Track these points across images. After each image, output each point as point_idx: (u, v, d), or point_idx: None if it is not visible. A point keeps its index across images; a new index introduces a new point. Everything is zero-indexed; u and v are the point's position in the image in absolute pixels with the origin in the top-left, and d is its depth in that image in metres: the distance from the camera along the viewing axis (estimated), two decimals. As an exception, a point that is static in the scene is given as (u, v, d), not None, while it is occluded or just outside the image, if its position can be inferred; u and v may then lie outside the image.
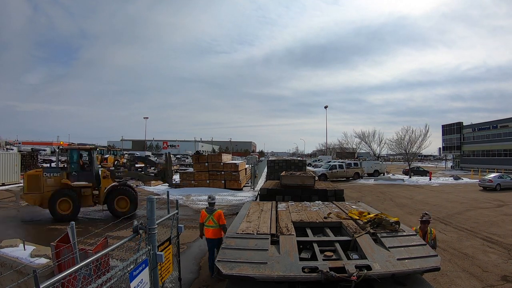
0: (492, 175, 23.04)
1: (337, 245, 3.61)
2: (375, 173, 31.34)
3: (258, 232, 3.85)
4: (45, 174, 10.99)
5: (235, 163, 19.99)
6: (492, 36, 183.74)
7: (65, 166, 11.89)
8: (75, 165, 11.43)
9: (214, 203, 6.04)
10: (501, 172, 26.30)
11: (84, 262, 2.39)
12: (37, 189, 10.76)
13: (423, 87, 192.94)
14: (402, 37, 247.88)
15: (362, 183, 26.33)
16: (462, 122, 55.00)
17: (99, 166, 13.66)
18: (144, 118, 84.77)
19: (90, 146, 13.07)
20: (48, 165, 26.74)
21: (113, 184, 11.70)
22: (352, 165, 31.07)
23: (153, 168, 14.16)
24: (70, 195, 10.73)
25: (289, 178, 7.98)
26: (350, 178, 29.28)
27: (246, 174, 22.63)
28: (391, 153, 57.23)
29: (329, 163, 31.81)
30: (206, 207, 6.09)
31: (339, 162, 31.98)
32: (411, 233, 3.85)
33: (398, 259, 3.14)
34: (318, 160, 55.30)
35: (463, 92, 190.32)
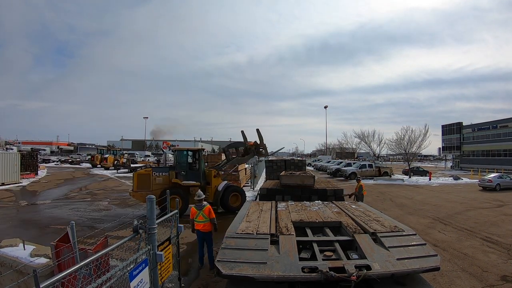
0: (492, 175, 23.03)
1: (337, 245, 3.61)
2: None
3: (257, 232, 3.85)
4: (154, 173, 11.78)
5: (235, 163, 19.92)
6: (503, 28, 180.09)
7: (173, 165, 12.57)
8: (183, 165, 12.21)
9: (202, 199, 6.21)
10: (501, 172, 26.30)
11: (84, 262, 2.39)
12: (147, 187, 11.46)
13: (427, 86, 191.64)
14: (408, 31, 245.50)
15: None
16: (461, 122, 55.08)
17: (206, 165, 13.93)
18: (144, 118, 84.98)
19: (198, 148, 13.71)
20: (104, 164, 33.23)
21: (227, 182, 12.49)
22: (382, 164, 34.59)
23: (242, 148, 14.26)
24: (179, 193, 11.25)
25: (288, 178, 7.99)
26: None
27: (246, 174, 22.60)
28: (391, 153, 57.24)
29: (360, 163, 34.30)
30: (195, 204, 6.35)
31: (368, 162, 35.13)
32: (410, 233, 3.85)
33: (397, 259, 3.14)
34: (318, 160, 55.35)
35: (468, 92, 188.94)
